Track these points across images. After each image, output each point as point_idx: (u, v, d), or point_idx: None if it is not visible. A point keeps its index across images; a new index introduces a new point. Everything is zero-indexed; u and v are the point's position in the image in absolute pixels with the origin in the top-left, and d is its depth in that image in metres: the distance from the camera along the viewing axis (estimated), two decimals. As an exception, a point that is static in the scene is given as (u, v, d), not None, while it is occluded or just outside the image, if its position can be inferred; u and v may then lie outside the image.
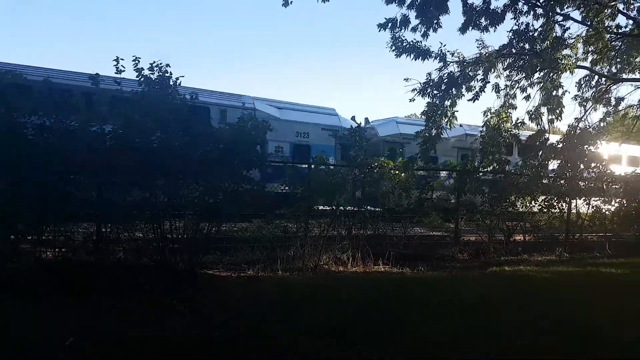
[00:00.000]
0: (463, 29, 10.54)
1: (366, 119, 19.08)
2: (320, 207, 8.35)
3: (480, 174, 10.45)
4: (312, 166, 8.27)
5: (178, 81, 6.70)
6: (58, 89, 7.27)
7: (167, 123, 6.39)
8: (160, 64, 6.58)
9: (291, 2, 9.58)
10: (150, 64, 6.52)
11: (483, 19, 10.21)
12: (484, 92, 10.97)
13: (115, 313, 4.71)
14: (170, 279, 6.13)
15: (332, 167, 8.53)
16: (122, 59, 6.43)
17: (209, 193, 6.65)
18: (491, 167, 10.46)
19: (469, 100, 10.95)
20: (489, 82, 11.00)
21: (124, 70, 6.44)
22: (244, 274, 7.00)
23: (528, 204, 10.30)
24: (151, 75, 6.54)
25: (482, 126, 11.55)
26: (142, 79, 6.52)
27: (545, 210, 10.59)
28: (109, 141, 6.35)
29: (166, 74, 6.59)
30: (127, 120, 6.33)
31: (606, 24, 11.16)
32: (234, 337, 4.20)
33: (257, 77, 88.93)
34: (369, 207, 8.67)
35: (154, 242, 6.70)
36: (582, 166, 10.96)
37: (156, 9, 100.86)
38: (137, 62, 6.51)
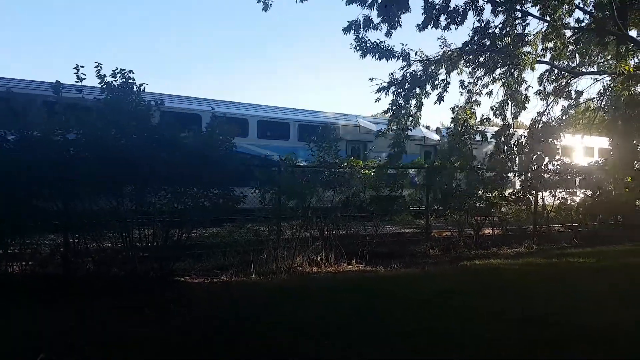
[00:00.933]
0: (422, 27, 10.72)
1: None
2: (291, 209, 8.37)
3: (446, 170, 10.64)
4: (282, 168, 8.27)
5: (142, 87, 6.65)
6: (19, 99, 7.08)
7: (130, 130, 6.33)
8: (123, 70, 6.52)
9: (271, 5, 9.66)
10: (112, 70, 6.46)
11: (443, 17, 10.41)
12: (447, 91, 11.18)
13: (86, 322, 4.64)
14: (141, 289, 6.08)
15: (301, 168, 8.55)
16: (82, 67, 6.36)
17: (177, 199, 6.60)
18: (457, 163, 10.68)
19: (434, 103, 11.17)
20: (449, 83, 11.22)
21: (84, 78, 6.37)
22: (217, 280, 6.96)
23: (494, 199, 10.52)
24: (114, 82, 6.47)
25: (450, 123, 11.78)
26: (104, 86, 6.45)
27: (512, 203, 10.85)
28: (73, 150, 6.26)
29: (129, 81, 6.52)
30: (90, 129, 6.23)
31: (564, 20, 11.53)
32: (205, 341, 4.19)
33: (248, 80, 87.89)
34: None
35: (123, 252, 6.62)
36: (546, 159, 11.28)
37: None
38: (99, 68, 6.44)
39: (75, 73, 6.29)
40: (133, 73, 6.53)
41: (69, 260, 6.52)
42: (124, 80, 6.48)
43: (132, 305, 5.32)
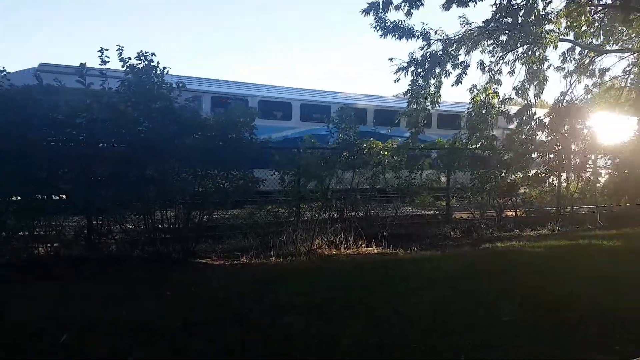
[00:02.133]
0: (447, 7, 10.48)
1: None
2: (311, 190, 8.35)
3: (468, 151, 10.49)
4: (301, 150, 8.24)
5: (165, 70, 6.66)
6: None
7: (152, 113, 6.35)
8: (146, 53, 6.54)
9: None
10: (137, 53, 6.49)
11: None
12: (466, 74, 10.94)
13: (108, 303, 4.71)
14: (163, 270, 6.15)
15: (321, 150, 8.49)
16: (107, 49, 6.39)
17: (197, 181, 6.63)
18: (479, 144, 10.50)
19: (452, 85, 10.96)
20: (469, 65, 10.97)
21: (108, 61, 6.39)
22: (238, 262, 7.00)
23: (517, 180, 10.34)
24: (137, 65, 6.48)
25: (469, 103, 11.55)
26: (127, 69, 6.47)
27: (535, 185, 10.66)
28: (97, 133, 6.32)
29: (151, 63, 6.54)
30: (114, 111, 6.27)
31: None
32: (224, 323, 4.22)
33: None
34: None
35: (145, 234, 6.70)
36: (570, 139, 11.02)
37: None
38: (121, 51, 6.47)
39: (99, 56, 6.30)
40: (155, 56, 6.55)
41: (92, 242, 6.64)
42: (146, 62, 6.49)
43: (154, 286, 5.40)
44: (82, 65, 6.35)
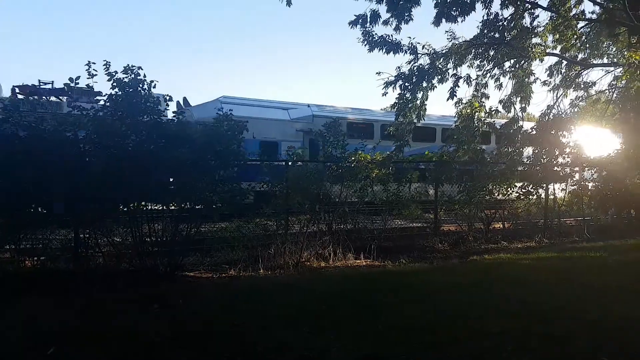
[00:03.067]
0: (437, 22, 10.67)
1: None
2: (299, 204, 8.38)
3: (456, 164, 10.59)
4: (290, 163, 8.29)
5: (152, 84, 6.70)
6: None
7: (140, 126, 6.39)
8: (133, 67, 6.57)
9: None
10: (124, 66, 6.51)
11: (454, 9, 10.33)
12: (459, 86, 11.14)
13: (94, 316, 4.69)
14: (150, 283, 6.13)
15: (309, 163, 8.55)
16: (94, 63, 6.44)
17: (185, 194, 6.65)
18: (467, 157, 10.61)
19: (447, 99, 11.14)
20: (460, 77, 11.15)
21: (96, 74, 6.43)
22: (226, 275, 7.00)
23: (505, 192, 10.44)
24: (124, 79, 6.52)
25: (455, 116, 11.68)
26: (114, 83, 6.50)
27: (522, 197, 10.76)
28: (83, 146, 6.34)
29: (138, 77, 6.58)
30: (101, 125, 6.30)
31: (573, 12, 11.37)
32: (210, 336, 4.21)
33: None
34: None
35: (132, 247, 6.70)
36: (556, 152, 11.15)
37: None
38: (108, 66, 6.50)
39: (87, 70, 6.36)
40: (142, 70, 6.59)
41: (79, 255, 6.62)
42: (133, 76, 6.53)
43: (141, 299, 5.37)
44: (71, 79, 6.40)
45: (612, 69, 13.73)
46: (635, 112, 12.06)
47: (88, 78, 6.38)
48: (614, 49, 13.46)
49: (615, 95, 13.83)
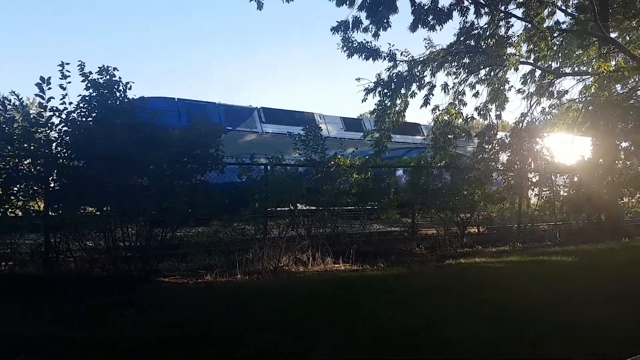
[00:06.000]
0: (413, 28, 10.79)
1: None
2: (279, 208, 8.32)
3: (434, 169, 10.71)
4: (269, 167, 8.22)
5: (128, 85, 6.57)
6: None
7: (115, 128, 6.24)
8: (109, 67, 6.44)
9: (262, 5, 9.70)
10: (99, 67, 6.38)
11: (431, 17, 10.48)
12: (433, 94, 11.29)
13: (66, 323, 4.54)
14: (124, 289, 5.98)
15: (289, 167, 8.50)
16: (67, 63, 6.26)
17: (162, 198, 6.52)
18: (443, 162, 10.74)
19: (420, 107, 11.28)
20: (435, 86, 11.31)
21: (69, 75, 6.26)
22: (202, 280, 6.88)
23: (478, 198, 10.60)
24: (99, 79, 6.37)
25: (432, 122, 11.85)
26: (88, 84, 6.34)
27: (496, 202, 10.95)
28: (55, 147, 6.16)
29: (114, 78, 6.44)
30: (73, 126, 6.13)
31: (546, 23, 11.66)
32: (183, 342, 4.12)
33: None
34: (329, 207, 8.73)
35: (105, 252, 6.53)
36: (530, 159, 11.40)
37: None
38: (82, 66, 6.34)
39: (60, 70, 6.17)
40: (117, 70, 6.46)
41: (50, 260, 6.42)
42: (108, 77, 6.39)
43: (114, 305, 5.24)
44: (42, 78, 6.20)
45: (583, 77, 14.13)
46: (605, 120, 12.42)
47: (61, 79, 6.19)
48: (585, 59, 13.85)
49: (583, 105, 14.17)
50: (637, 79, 14.46)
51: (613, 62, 12.37)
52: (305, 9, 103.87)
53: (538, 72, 13.40)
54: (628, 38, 15.46)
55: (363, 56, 10.27)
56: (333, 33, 10.50)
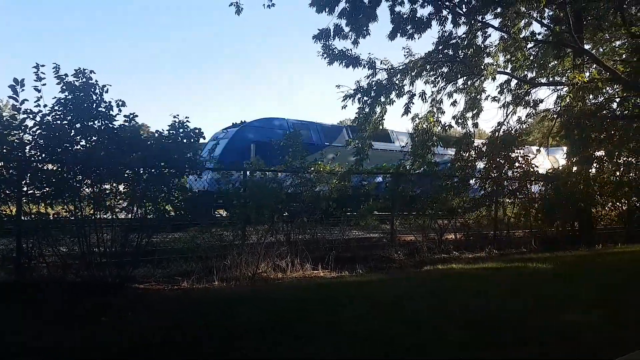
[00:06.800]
0: (392, 36, 10.92)
1: None
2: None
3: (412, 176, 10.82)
4: (248, 172, 8.20)
5: (105, 88, 6.46)
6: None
7: (90, 131, 6.15)
8: (85, 70, 6.33)
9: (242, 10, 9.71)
10: (75, 69, 6.25)
11: (410, 26, 10.63)
12: (413, 103, 11.44)
13: (38, 330, 4.44)
14: (98, 295, 5.88)
15: (268, 172, 8.48)
16: (42, 65, 6.13)
17: (137, 203, 6.43)
18: (422, 169, 10.86)
19: (402, 115, 11.41)
20: (415, 94, 11.46)
21: (44, 77, 6.14)
22: (178, 287, 6.80)
23: (455, 204, 10.72)
24: (75, 82, 6.26)
25: (412, 131, 11.98)
26: (63, 86, 6.23)
27: (473, 209, 11.09)
28: (29, 151, 6.03)
29: (90, 80, 6.34)
30: (48, 129, 6.02)
31: (522, 34, 11.92)
32: (161, 349, 4.08)
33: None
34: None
35: (79, 257, 6.40)
36: (506, 167, 11.60)
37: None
38: (57, 69, 6.23)
39: (35, 72, 6.04)
40: (94, 73, 6.35)
41: (21, 265, 6.26)
42: (85, 80, 6.29)
43: (87, 312, 5.15)
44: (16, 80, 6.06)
45: (558, 88, 14.44)
46: (579, 130, 12.70)
47: (35, 81, 6.06)
48: (560, 70, 14.16)
49: (558, 115, 14.46)
50: (610, 90, 14.84)
51: (587, 73, 12.70)
52: (282, 15, 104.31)
53: (514, 82, 13.66)
54: (601, 50, 15.90)
55: (343, 64, 10.36)
56: (315, 41, 10.57)
